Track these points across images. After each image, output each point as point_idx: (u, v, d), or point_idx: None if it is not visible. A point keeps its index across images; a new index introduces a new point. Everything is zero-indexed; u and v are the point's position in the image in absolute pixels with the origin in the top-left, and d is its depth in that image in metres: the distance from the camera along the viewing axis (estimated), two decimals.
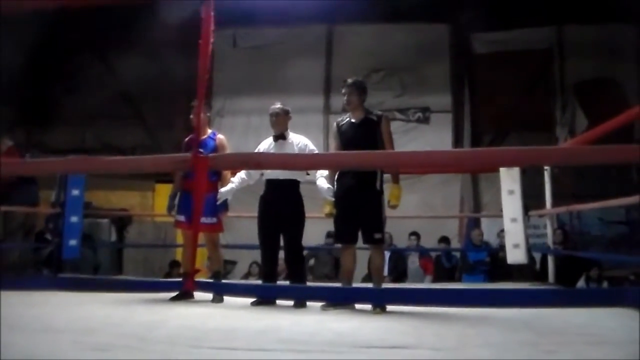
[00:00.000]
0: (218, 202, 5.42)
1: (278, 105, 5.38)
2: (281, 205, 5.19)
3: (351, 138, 4.93)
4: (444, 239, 10.03)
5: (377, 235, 4.84)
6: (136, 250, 12.08)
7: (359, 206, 4.83)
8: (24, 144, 10.80)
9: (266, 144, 5.39)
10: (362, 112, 5.00)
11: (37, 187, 8.08)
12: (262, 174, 5.33)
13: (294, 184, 5.24)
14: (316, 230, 8.60)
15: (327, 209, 5.05)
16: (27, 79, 11.33)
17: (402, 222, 9.14)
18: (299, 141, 5.32)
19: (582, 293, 5.40)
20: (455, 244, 10.92)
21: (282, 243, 5.34)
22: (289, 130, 5.37)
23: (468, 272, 9.42)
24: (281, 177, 5.17)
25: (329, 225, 5.81)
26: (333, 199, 4.99)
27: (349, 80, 5.07)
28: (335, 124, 5.19)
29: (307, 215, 5.31)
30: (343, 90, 5.04)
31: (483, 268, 9.29)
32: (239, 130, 11.36)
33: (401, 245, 10.06)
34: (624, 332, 3.44)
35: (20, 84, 10.74)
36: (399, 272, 9.54)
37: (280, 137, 5.31)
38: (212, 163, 3.90)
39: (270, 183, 5.27)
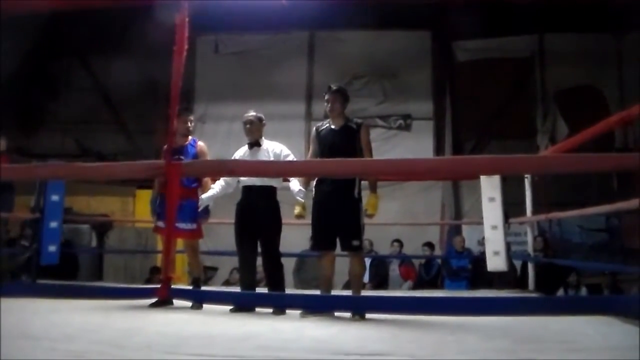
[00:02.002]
0: (199, 209, 5.42)
1: (252, 113, 5.38)
2: (257, 211, 5.18)
3: (330, 144, 4.93)
4: (428, 244, 10.03)
5: (355, 242, 4.83)
6: (117, 256, 11.98)
7: (337, 213, 4.81)
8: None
9: (241, 152, 5.39)
10: (342, 119, 5.00)
11: (14, 193, 7.99)
12: (238, 181, 5.32)
13: (271, 190, 5.22)
14: (299, 236, 8.58)
15: (297, 210, 5.09)
16: (8, 83, 11.24)
17: (383, 229, 9.16)
18: (274, 148, 5.31)
19: (561, 301, 5.41)
20: (437, 250, 10.94)
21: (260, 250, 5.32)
22: (263, 138, 5.37)
23: (451, 278, 9.47)
24: (257, 184, 5.16)
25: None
26: (303, 200, 5.04)
27: (334, 87, 5.07)
28: (314, 128, 5.20)
29: (287, 221, 5.30)
30: (327, 97, 5.02)
31: (465, 275, 9.35)
32: (221, 137, 11.29)
33: (383, 252, 10.05)
34: (602, 339, 3.46)
35: (1, 88, 10.65)
36: (380, 279, 9.54)
37: (255, 144, 5.31)
38: (186, 170, 3.88)
39: (247, 189, 5.26)
